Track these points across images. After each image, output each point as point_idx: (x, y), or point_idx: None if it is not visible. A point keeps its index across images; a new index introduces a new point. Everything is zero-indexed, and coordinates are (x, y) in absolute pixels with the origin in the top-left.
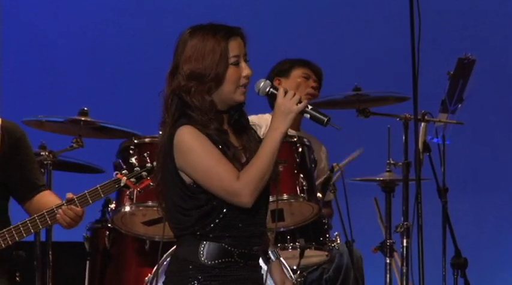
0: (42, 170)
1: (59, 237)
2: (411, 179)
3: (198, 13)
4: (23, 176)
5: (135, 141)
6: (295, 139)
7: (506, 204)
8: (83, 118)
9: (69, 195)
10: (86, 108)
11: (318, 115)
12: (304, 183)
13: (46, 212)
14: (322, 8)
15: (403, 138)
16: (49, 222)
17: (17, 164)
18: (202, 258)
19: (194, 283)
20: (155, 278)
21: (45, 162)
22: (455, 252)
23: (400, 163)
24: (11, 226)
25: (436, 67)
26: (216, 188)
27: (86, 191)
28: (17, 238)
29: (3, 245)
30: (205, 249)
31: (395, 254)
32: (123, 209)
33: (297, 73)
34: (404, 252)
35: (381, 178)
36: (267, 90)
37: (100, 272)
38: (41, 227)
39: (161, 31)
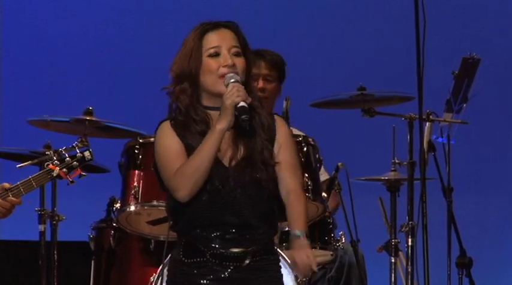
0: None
1: (64, 237)
2: (416, 179)
3: (200, 12)
4: None
5: (140, 141)
6: (299, 139)
7: (511, 204)
8: (87, 118)
9: (5, 185)
10: (91, 108)
11: (241, 112)
12: (309, 183)
13: None
14: (326, 7)
15: (408, 137)
16: None
17: None
18: (181, 256)
19: (175, 279)
20: (160, 278)
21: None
22: (460, 251)
23: (405, 163)
24: None
25: (441, 66)
26: (166, 184)
27: (18, 183)
28: None
29: None
30: (183, 248)
31: (400, 253)
32: (128, 209)
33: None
34: (409, 251)
35: (386, 178)
36: (226, 84)
37: (105, 272)
38: None
39: (165, 30)
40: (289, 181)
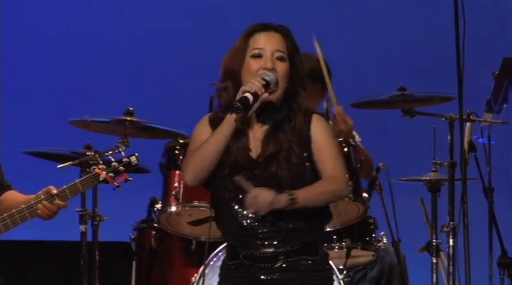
0: (88, 170)
1: (105, 237)
2: (457, 179)
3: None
4: None
5: (181, 141)
6: (340, 139)
7: None
8: (128, 118)
9: (51, 188)
10: (131, 108)
11: (239, 100)
12: (349, 183)
13: (25, 207)
14: (366, 8)
15: (449, 137)
16: (28, 216)
17: None
18: (226, 258)
19: (220, 281)
20: (202, 278)
21: (90, 162)
22: (501, 252)
23: (446, 163)
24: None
25: (481, 66)
26: None
27: (65, 186)
28: (3, 230)
29: None
30: (227, 249)
31: (441, 253)
32: (169, 209)
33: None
34: (451, 252)
35: (427, 178)
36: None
37: (146, 272)
38: (19, 221)
39: (207, 31)
40: (328, 170)
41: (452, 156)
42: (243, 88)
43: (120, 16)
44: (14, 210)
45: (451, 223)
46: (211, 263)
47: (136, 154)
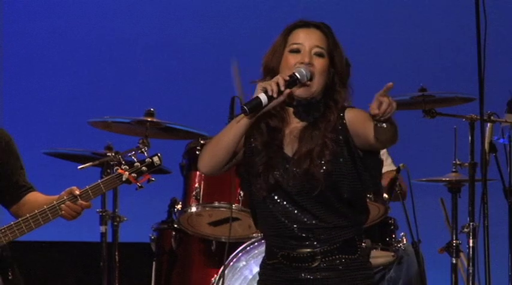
0: (108, 170)
1: (125, 238)
2: (477, 180)
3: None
4: (13, 179)
5: (201, 142)
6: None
7: None
8: (149, 119)
9: (73, 189)
10: (152, 109)
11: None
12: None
13: (47, 208)
14: (387, 8)
15: (469, 138)
16: (50, 217)
17: (8, 169)
18: (265, 258)
19: (260, 280)
20: (221, 279)
21: (111, 163)
22: None
23: (466, 164)
24: (12, 222)
25: (502, 67)
26: None
27: (87, 187)
28: (18, 234)
29: (4, 241)
30: (266, 249)
31: (461, 254)
32: (189, 210)
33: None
34: (471, 252)
35: (447, 179)
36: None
37: (166, 273)
38: (42, 222)
39: (227, 32)
40: None
41: (473, 157)
42: (260, 84)
43: (141, 16)
44: (36, 211)
45: (471, 223)
46: (231, 263)
47: (159, 154)
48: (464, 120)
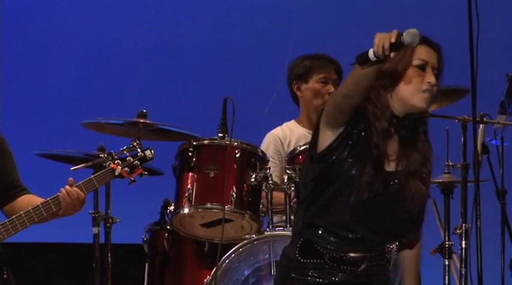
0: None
1: (117, 239)
2: (470, 181)
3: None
4: (7, 179)
5: (194, 143)
6: None
7: None
8: (141, 121)
9: (70, 179)
10: (144, 110)
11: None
12: None
13: (41, 204)
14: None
15: (462, 139)
16: (53, 208)
17: (2, 169)
18: (297, 255)
19: (287, 276)
20: (214, 280)
21: (104, 164)
22: None
23: (459, 165)
24: (6, 221)
25: (495, 68)
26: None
27: (80, 182)
28: (12, 232)
29: (5, 235)
30: (300, 246)
31: (454, 255)
32: (181, 211)
33: (315, 79)
34: (463, 254)
35: (440, 180)
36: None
37: (159, 274)
38: (36, 219)
39: (222, 33)
40: None
41: (465, 158)
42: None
43: (133, 18)
44: (30, 208)
45: (464, 224)
46: (224, 265)
47: (150, 148)
48: (456, 121)
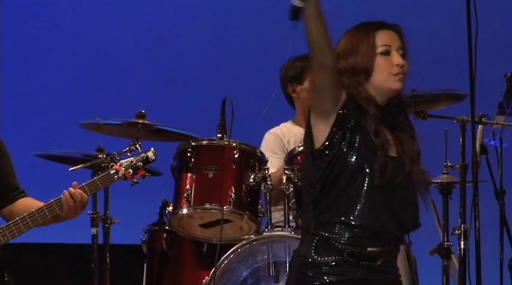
0: (100, 172)
1: (116, 240)
2: (468, 181)
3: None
4: (6, 181)
5: (193, 143)
6: None
7: None
8: (140, 121)
9: (74, 184)
10: (143, 111)
11: None
12: None
13: (53, 201)
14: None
15: (461, 140)
16: (57, 210)
17: (1, 171)
18: (313, 254)
19: (304, 276)
20: (212, 281)
21: (102, 165)
22: None
23: (458, 165)
24: (9, 222)
25: (493, 68)
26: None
27: (84, 184)
28: (16, 234)
29: (3, 241)
30: (316, 244)
31: (452, 256)
32: (180, 212)
33: (309, 79)
34: (462, 254)
35: (438, 180)
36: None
37: (157, 275)
38: (48, 216)
39: (222, 33)
40: None
41: (464, 158)
42: None
43: (133, 18)
44: (34, 210)
45: (462, 225)
46: (222, 265)
47: (152, 149)
48: (455, 121)
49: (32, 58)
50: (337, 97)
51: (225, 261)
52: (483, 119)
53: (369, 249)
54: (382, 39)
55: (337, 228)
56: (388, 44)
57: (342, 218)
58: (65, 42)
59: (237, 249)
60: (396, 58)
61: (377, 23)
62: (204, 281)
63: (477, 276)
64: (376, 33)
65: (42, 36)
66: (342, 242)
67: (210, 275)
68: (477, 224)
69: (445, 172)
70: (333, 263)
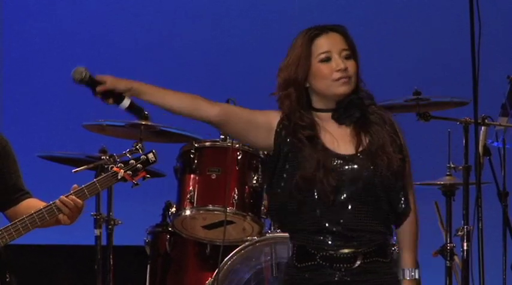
0: (102, 174)
1: (119, 241)
2: (471, 183)
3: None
4: (10, 182)
5: (196, 145)
6: None
7: None
8: (143, 122)
9: (75, 186)
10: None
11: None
12: None
13: (44, 208)
14: (380, 10)
15: (464, 141)
16: (56, 212)
17: (6, 172)
18: (294, 261)
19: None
20: (215, 282)
21: (105, 166)
22: None
23: (461, 167)
24: (8, 224)
25: (496, 70)
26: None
27: (83, 186)
28: (15, 236)
29: (1, 243)
30: (295, 251)
31: (455, 257)
32: (183, 213)
33: None
34: (465, 255)
35: (442, 182)
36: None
37: (161, 276)
38: (38, 223)
39: (222, 33)
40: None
41: (467, 160)
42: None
43: (133, 18)
44: (33, 211)
45: (465, 226)
46: (225, 267)
47: (153, 151)
48: (458, 123)
49: (32, 59)
50: (259, 132)
51: (228, 263)
52: (486, 121)
53: (343, 251)
54: (321, 46)
55: (309, 234)
56: (328, 50)
57: (309, 227)
58: (64, 42)
59: (240, 250)
60: (336, 63)
61: (314, 29)
62: (207, 282)
63: (480, 277)
64: (313, 42)
65: (42, 36)
66: (315, 246)
67: (213, 276)
68: (480, 225)
69: (448, 173)
70: (310, 268)
